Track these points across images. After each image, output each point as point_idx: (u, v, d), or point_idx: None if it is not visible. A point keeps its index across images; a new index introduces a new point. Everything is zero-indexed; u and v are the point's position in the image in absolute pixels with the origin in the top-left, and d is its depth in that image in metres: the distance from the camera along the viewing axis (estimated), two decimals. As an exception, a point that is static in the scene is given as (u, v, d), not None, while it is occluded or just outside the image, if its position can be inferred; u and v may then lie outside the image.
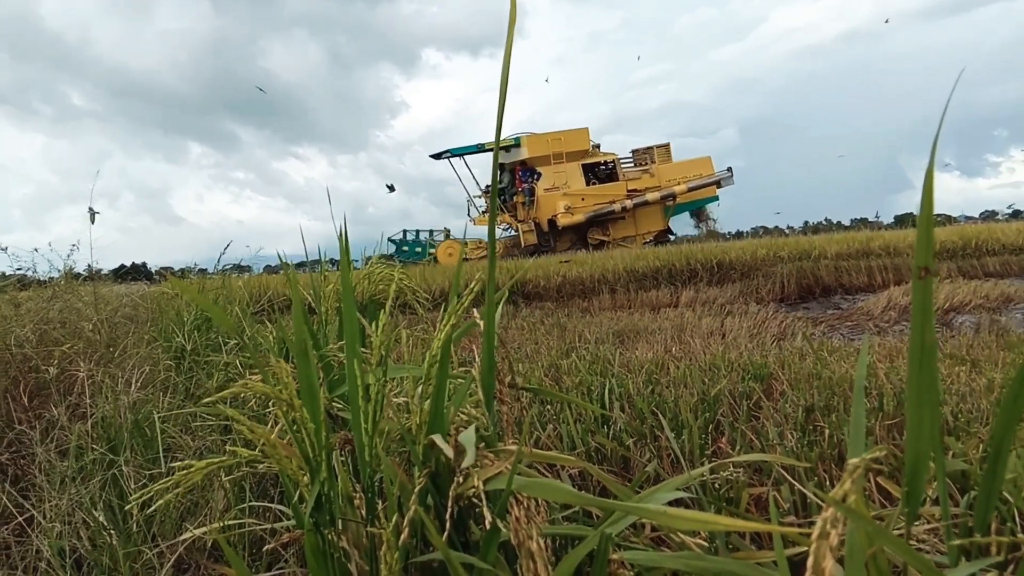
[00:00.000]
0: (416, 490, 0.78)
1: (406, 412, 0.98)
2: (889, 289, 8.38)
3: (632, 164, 21.80)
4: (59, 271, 3.49)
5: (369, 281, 1.79)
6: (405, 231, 21.46)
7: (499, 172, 21.83)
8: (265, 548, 1.05)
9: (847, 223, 26.98)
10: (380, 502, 0.87)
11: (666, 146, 21.86)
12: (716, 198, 21.77)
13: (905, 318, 6.78)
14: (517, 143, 20.82)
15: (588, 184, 20.98)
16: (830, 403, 2.29)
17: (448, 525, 0.77)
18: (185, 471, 0.85)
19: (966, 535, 0.73)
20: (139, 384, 2.27)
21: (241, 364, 2.74)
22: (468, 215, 22.24)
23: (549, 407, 2.38)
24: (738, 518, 1.30)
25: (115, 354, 2.66)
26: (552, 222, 20.53)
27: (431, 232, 21.51)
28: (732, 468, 1.49)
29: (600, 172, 21.39)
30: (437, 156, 21.51)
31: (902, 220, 22.74)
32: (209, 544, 1.58)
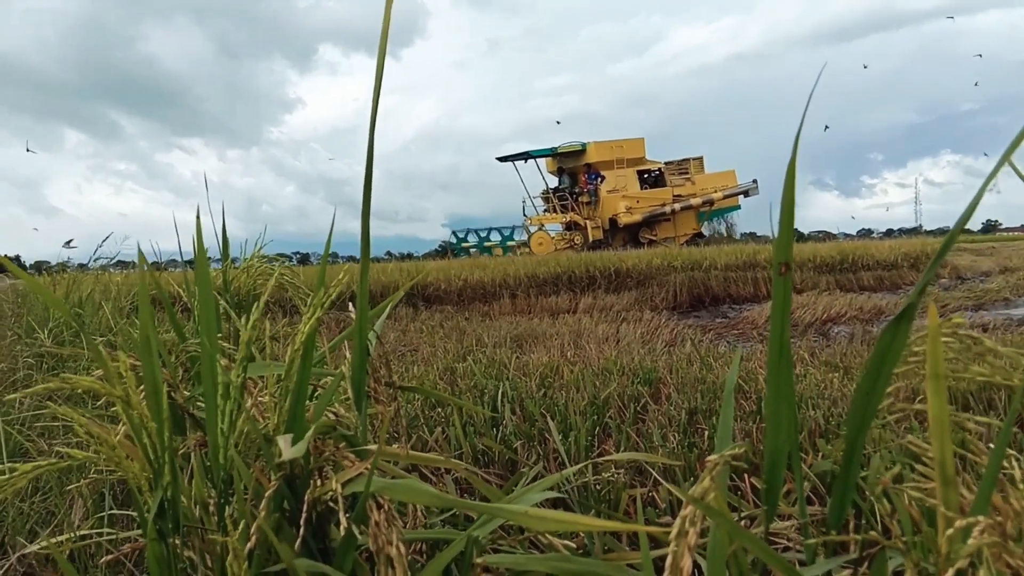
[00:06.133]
0: (268, 494, 0.72)
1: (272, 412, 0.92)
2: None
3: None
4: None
5: (248, 275, 1.70)
6: (454, 232, 23.26)
7: (560, 174, 23.43)
8: (101, 561, 0.96)
9: (737, 236, 28.50)
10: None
11: (700, 159, 24.04)
12: (739, 207, 23.96)
13: (787, 327, 7.12)
14: (583, 148, 22.67)
15: (642, 188, 23.01)
16: (712, 406, 2.36)
17: (303, 531, 0.72)
18: (9, 476, 0.76)
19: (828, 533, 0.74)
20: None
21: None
22: (523, 213, 23.70)
23: (439, 410, 2.34)
24: (613, 519, 1.31)
25: (-35, 351, 2.42)
26: (613, 220, 22.25)
27: (513, 228, 22.98)
28: (614, 470, 1.50)
29: (649, 178, 23.39)
30: (504, 159, 23.20)
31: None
32: (66, 555, 1.45)
